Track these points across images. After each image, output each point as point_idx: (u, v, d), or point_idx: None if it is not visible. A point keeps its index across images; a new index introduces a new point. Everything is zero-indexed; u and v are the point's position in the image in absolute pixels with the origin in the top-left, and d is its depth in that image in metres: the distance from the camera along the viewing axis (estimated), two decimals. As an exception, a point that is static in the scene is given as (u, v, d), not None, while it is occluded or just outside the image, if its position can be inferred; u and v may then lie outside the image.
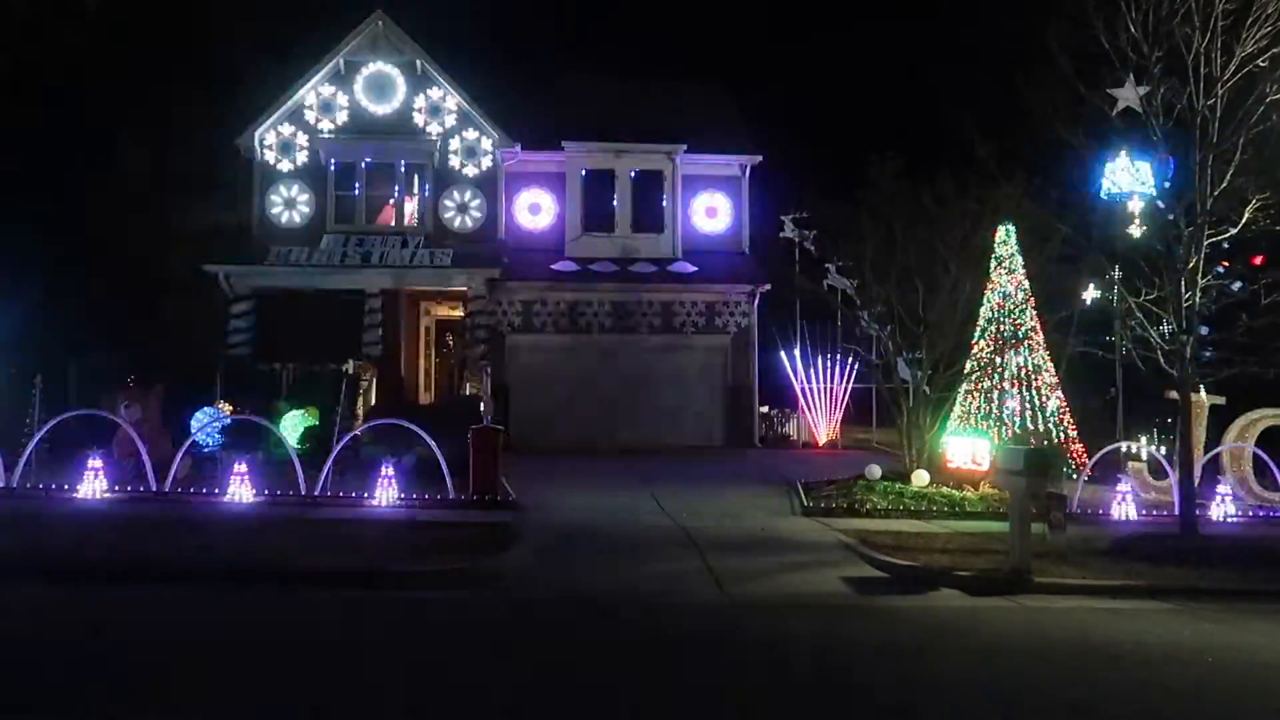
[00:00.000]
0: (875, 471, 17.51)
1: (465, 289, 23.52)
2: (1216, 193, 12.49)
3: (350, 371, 19.60)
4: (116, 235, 26.71)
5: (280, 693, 6.71)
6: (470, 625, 8.81)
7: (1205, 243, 12.63)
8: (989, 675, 7.64)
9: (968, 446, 17.12)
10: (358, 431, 15.56)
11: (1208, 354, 13.23)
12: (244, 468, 14.79)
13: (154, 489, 14.76)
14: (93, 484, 14.54)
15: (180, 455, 15.18)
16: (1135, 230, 14.49)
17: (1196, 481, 14.22)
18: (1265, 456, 16.10)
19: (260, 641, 8.00)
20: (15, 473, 14.85)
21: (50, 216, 25.38)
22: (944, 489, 16.34)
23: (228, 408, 16.75)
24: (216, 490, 14.79)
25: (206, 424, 16.30)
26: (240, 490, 14.54)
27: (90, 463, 14.65)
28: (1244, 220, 12.67)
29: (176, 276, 25.46)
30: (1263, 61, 12.26)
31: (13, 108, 24.54)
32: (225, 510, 13.88)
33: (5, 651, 7.52)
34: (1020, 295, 18.67)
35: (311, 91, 24.22)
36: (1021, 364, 18.40)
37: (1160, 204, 12.99)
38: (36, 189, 25.05)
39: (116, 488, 14.78)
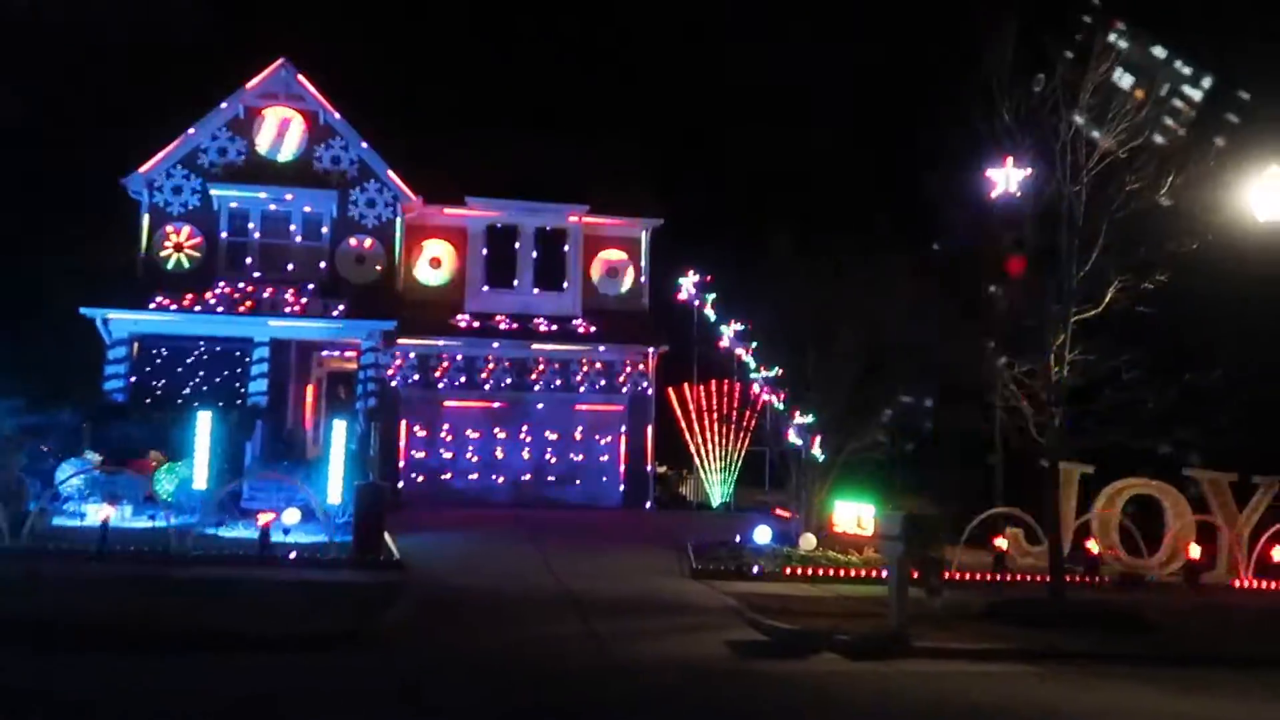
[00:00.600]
0: (765, 534, 17.72)
1: (359, 341, 23.09)
2: (1081, 273, 13.25)
3: (234, 421, 18.96)
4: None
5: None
6: (344, 693, 8.50)
7: (1072, 320, 13.34)
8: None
9: (854, 511, 17.50)
10: (235, 486, 15.01)
11: (1072, 424, 13.88)
12: (109, 520, 14.09)
13: (8, 542, 13.88)
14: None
15: (39, 508, 14.35)
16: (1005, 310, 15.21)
17: (1067, 548, 14.85)
18: (1130, 525, 16.92)
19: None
20: None
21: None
22: (830, 552, 16.62)
23: (97, 458, 15.95)
24: (79, 545, 13.99)
25: (70, 475, 15.48)
26: (106, 546, 13.80)
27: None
28: (1107, 299, 13.45)
29: (52, 317, 24.31)
30: (1122, 153, 13.16)
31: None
32: (88, 567, 13.12)
33: None
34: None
35: (208, 135, 23.68)
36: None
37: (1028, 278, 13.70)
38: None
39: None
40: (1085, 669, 10.57)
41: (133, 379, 21.89)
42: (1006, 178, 15.17)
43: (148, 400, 21.60)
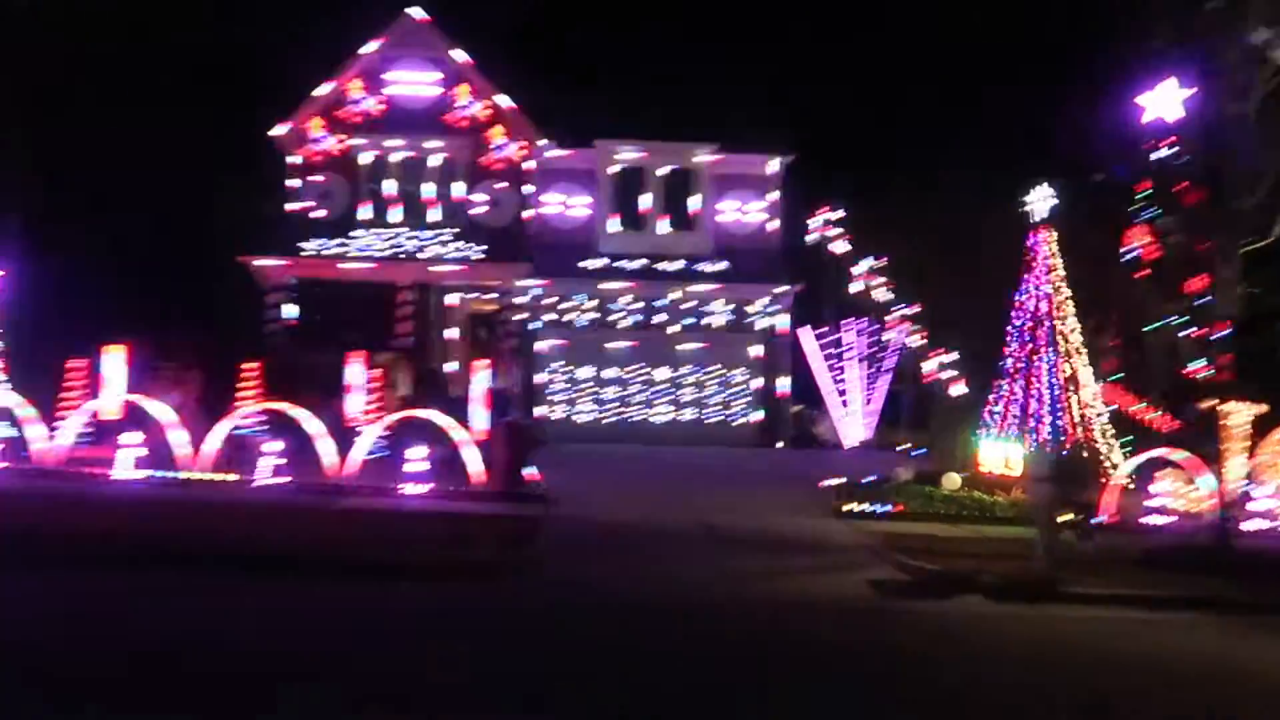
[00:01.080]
0: (905, 473, 17.41)
1: (497, 283, 23.65)
2: (1250, 203, 12.27)
3: (383, 362, 19.78)
4: (155, 223, 27.14)
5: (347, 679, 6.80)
6: (491, 619, 8.87)
7: (1240, 250, 12.41)
8: (999, 682, 7.58)
9: (1000, 451, 16.96)
10: (389, 422, 15.71)
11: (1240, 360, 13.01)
12: (278, 455, 15.04)
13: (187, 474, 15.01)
14: (132, 466, 14.83)
15: (216, 440, 15.40)
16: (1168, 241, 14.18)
17: (1236, 491, 14.00)
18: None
19: (298, 631, 8.11)
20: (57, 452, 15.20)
21: (88, 202, 25.85)
22: (975, 493, 16.21)
23: (262, 396, 16.94)
24: (251, 477, 15.02)
25: (241, 412, 16.50)
26: (274, 477, 14.77)
27: (126, 446, 14.94)
28: (1277, 230, 12.44)
29: (216, 265, 25.84)
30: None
31: (51, 83, 24.99)
32: (258, 497, 14.08)
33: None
34: (1056, 299, 18.46)
35: (345, 85, 24.43)
36: (1056, 368, 18.21)
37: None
38: (73, 175, 25.51)
39: (154, 471, 15.05)
40: (1253, 619, 9.99)
41: (288, 324, 23.12)
42: (1164, 102, 14.11)
43: (304, 342, 22.77)
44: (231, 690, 6.48)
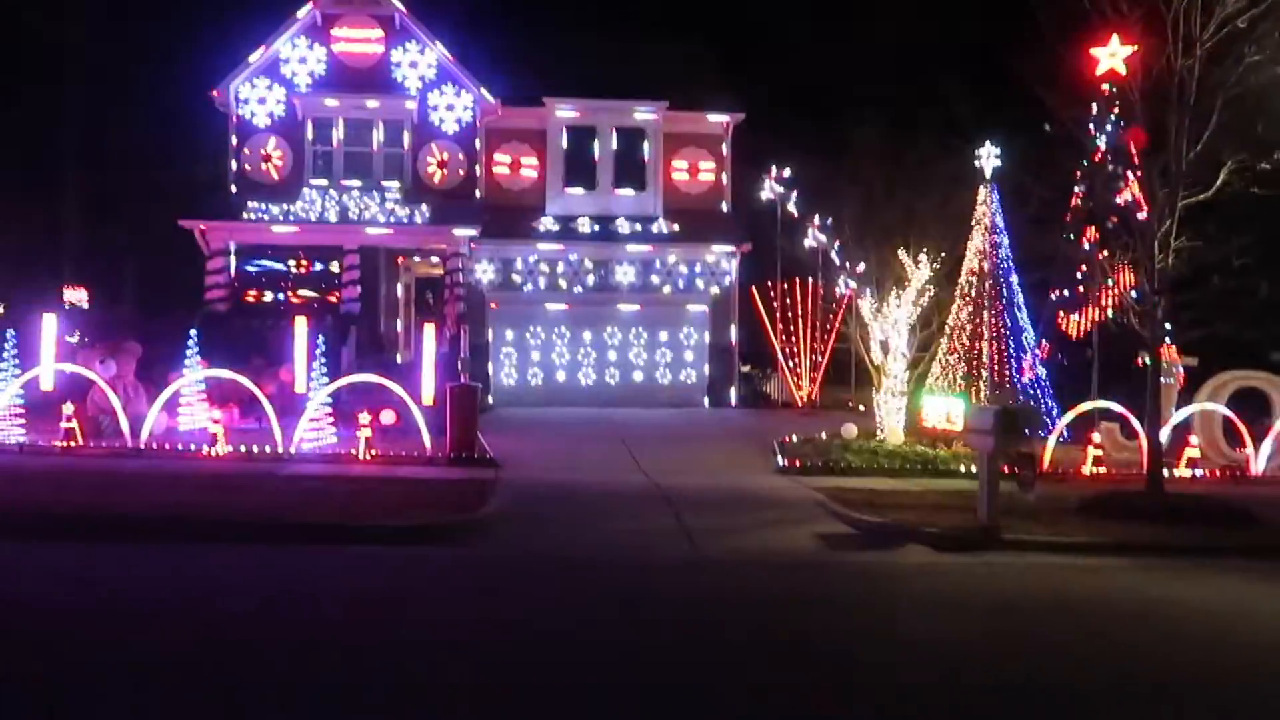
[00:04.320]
0: (851, 430, 17.69)
1: (444, 246, 23.39)
2: (1192, 155, 12.50)
3: (329, 326, 19.51)
4: (91, 189, 26.42)
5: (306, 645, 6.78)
6: (440, 579, 8.89)
7: (1179, 205, 12.67)
8: (945, 627, 7.79)
9: (943, 406, 17.29)
10: (334, 388, 15.54)
11: (1175, 315, 13.30)
12: (221, 423, 14.83)
13: (130, 444, 14.75)
14: (68, 439, 14.52)
15: (155, 410, 15.14)
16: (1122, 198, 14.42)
17: (1167, 442, 14.41)
18: (1234, 417, 16.31)
19: (262, 596, 8.05)
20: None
21: (18, 169, 25.06)
22: (918, 447, 16.52)
23: (204, 365, 16.65)
24: (193, 446, 14.80)
25: (184, 381, 16.21)
26: (217, 446, 14.57)
27: (65, 418, 14.63)
28: (1219, 183, 12.70)
29: (154, 230, 25.22)
30: (1241, 22, 12.21)
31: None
32: (201, 466, 13.88)
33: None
34: (1000, 255, 18.80)
35: (288, 44, 23.82)
36: (999, 323, 18.57)
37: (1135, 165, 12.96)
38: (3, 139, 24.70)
39: (92, 443, 14.77)
40: (1185, 562, 10.36)
41: (232, 288, 22.68)
42: (1114, 55, 14.28)
43: (247, 308, 22.40)
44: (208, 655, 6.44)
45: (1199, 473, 15.70)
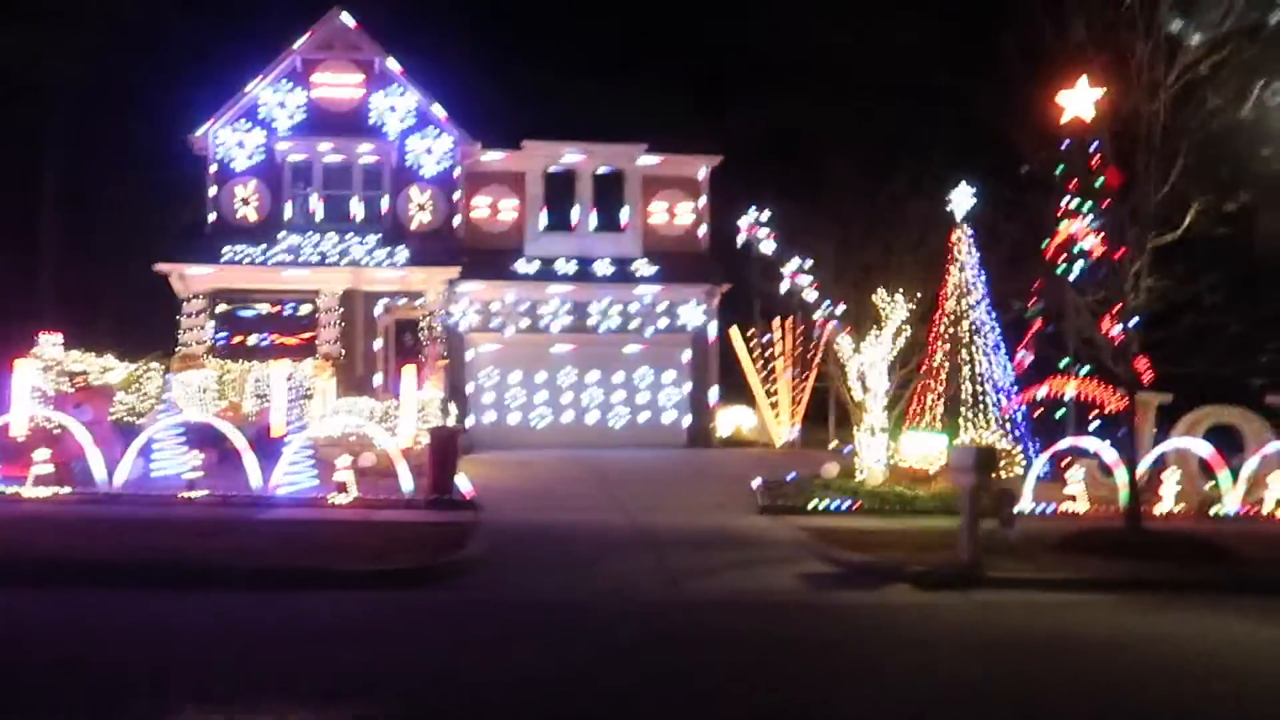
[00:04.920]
0: (832, 470, 17.73)
1: (423, 288, 23.40)
2: (1159, 196, 12.77)
3: (308, 372, 19.44)
4: (67, 231, 26.30)
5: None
6: (420, 623, 8.79)
7: (1149, 245, 12.91)
8: (932, 666, 7.77)
9: (922, 444, 17.36)
10: (313, 431, 15.42)
11: (1149, 352, 13.50)
12: (197, 468, 14.67)
13: (105, 490, 14.54)
14: (42, 484, 14.31)
15: (131, 456, 14.96)
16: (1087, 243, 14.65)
17: (1144, 478, 14.52)
18: (1210, 453, 16.47)
19: (235, 642, 7.92)
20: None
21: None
22: (898, 487, 16.55)
23: (179, 409, 16.52)
24: (168, 491, 14.61)
25: (159, 426, 16.06)
26: (193, 490, 14.40)
27: (39, 463, 14.42)
28: (1186, 223, 12.97)
29: (130, 273, 25.10)
30: (1203, 68, 12.56)
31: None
32: (177, 511, 13.69)
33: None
34: (975, 295, 19.02)
35: (268, 88, 23.94)
36: (975, 363, 18.73)
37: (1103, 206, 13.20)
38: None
39: (66, 489, 14.55)
40: (1164, 597, 10.41)
41: (209, 332, 22.55)
42: (1080, 100, 14.58)
43: (223, 352, 22.26)
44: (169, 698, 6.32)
45: (1176, 508, 15.82)
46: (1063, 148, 13.26)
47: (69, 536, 11.26)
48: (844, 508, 15.22)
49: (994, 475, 11.60)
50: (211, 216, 23.65)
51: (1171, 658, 8.23)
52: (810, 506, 15.23)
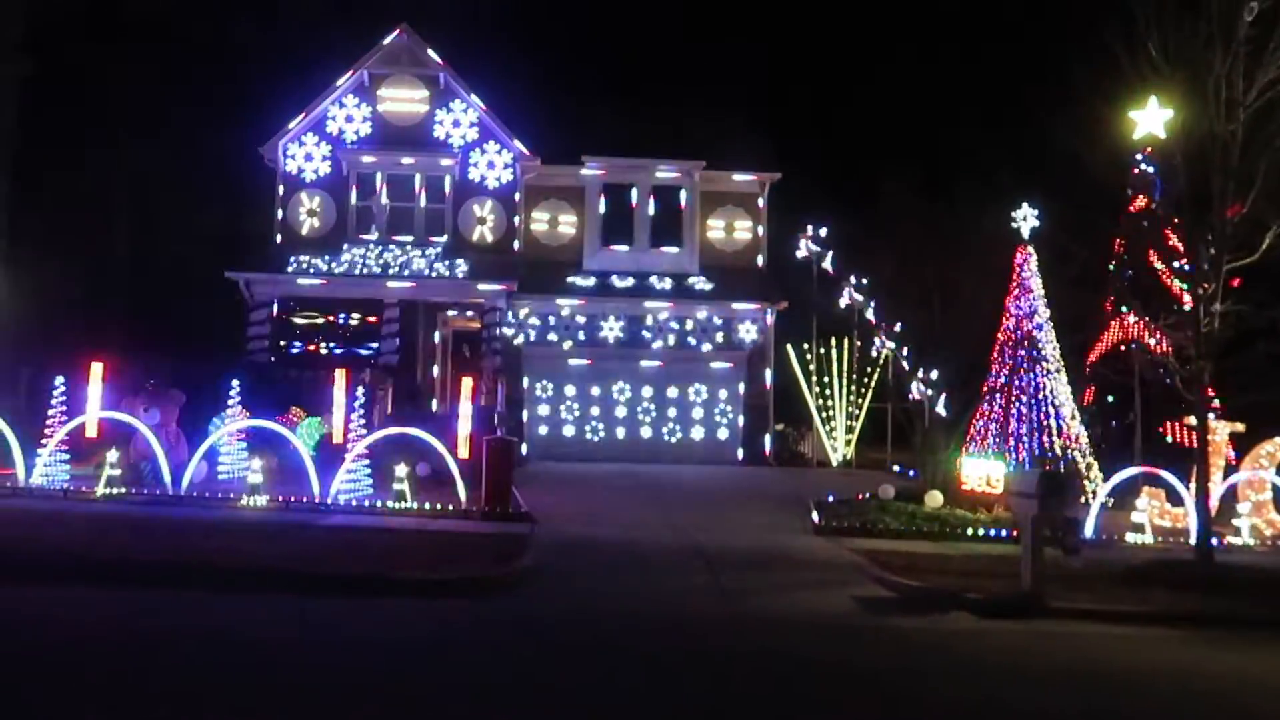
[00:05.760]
0: (889, 491, 17.47)
1: (482, 300, 23.66)
2: (1236, 218, 12.41)
3: (368, 380, 19.70)
4: (138, 240, 27.10)
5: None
6: (474, 633, 8.83)
7: (1225, 268, 12.54)
8: (997, 698, 7.59)
9: (982, 468, 17.03)
10: (370, 440, 15.63)
11: (1222, 380, 13.09)
12: (259, 474, 14.96)
13: (170, 491, 14.91)
14: (110, 485, 14.71)
15: (197, 459, 15.32)
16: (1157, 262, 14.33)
17: (1214, 509, 14.07)
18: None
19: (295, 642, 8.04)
20: (35, 472, 15.07)
21: (70, 219, 25.79)
22: (958, 511, 16.25)
23: (244, 414, 16.86)
24: (232, 495, 14.93)
25: (224, 431, 16.42)
26: (255, 496, 14.68)
27: (109, 464, 14.84)
28: (1264, 246, 12.58)
29: (198, 281, 25.76)
30: (1283, 87, 12.19)
31: (41, 106, 25.06)
32: (240, 515, 13.98)
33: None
34: (1038, 318, 18.62)
35: (335, 103, 24.50)
36: (1038, 387, 18.33)
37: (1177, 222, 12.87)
38: (57, 192, 25.49)
39: (133, 490, 14.94)
40: (1232, 633, 10.06)
41: (274, 339, 23.07)
42: (1153, 118, 14.29)
43: (288, 359, 22.73)
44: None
45: (1250, 541, 15.30)
46: (1135, 170, 13.00)
47: (132, 537, 11.55)
48: (902, 531, 14.97)
49: (1058, 501, 11.28)
50: (279, 227, 24.24)
51: (1240, 695, 7.94)
52: (867, 528, 15.01)
